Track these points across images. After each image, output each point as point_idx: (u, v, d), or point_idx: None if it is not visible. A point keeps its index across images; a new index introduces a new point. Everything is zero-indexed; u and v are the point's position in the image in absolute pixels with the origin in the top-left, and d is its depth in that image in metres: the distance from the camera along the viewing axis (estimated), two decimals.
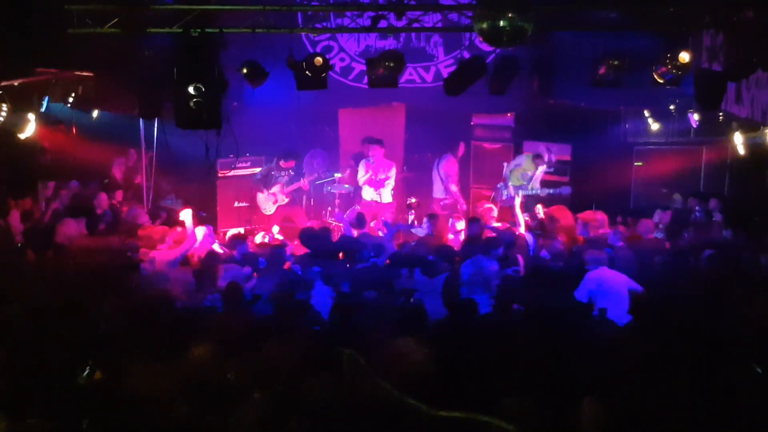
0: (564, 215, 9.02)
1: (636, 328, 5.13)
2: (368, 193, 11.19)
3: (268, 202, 11.18)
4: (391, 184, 11.16)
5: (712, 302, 5.43)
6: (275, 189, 11.11)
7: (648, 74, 8.67)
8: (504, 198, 10.87)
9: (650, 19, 8.05)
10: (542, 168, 10.88)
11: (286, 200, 11.21)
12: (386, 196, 11.15)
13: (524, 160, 11.03)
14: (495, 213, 10.01)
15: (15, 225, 8.28)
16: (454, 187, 11.69)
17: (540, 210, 9.75)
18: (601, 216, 9.05)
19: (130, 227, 8.64)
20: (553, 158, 11.01)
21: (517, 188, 10.74)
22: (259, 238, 10.42)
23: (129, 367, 3.99)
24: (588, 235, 8.52)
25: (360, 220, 9.21)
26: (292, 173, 11.25)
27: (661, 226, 9.58)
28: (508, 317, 5.86)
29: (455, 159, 11.88)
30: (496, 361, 4.30)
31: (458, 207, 11.67)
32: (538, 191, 10.67)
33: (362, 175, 11.16)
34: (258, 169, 11.47)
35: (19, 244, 7.86)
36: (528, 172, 10.89)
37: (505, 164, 11.36)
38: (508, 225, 9.29)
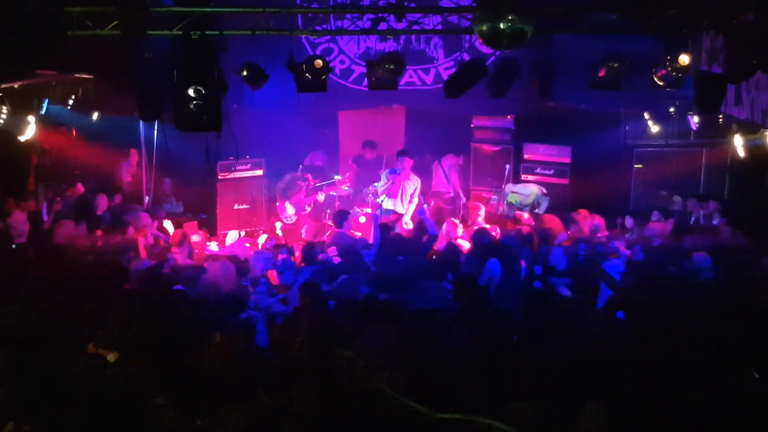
0: (553, 223, 9.07)
1: (636, 332, 5.12)
2: (388, 204, 10.87)
3: (290, 211, 11.19)
4: (415, 201, 10.88)
5: (710, 306, 5.43)
6: (295, 198, 11.12)
7: (648, 77, 8.68)
8: (498, 210, 10.96)
9: (650, 22, 8.05)
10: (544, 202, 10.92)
11: (309, 209, 11.23)
12: (410, 209, 10.87)
13: (529, 197, 10.99)
14: (482, 212, 10.05)
15: (19, 226, 8.28)
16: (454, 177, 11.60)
17: (524, 215, 9.82)
18: (598, 220, 9.06)
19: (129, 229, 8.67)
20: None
21: (511, 208, 10.79)
22: (262, 240, 10.43)
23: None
24: (580, 232, 8.55)
25: (340, 219, 9.04)
26: (312, 185, 11.27)
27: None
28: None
29: (456, 156, 11.89)
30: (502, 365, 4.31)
31: (458, 201, 11.67)
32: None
33: (382, 185, 10.88)
34: (259, 172, 11.51)
35: (15, 246, 7.85)
36: (526, 204, 10.89)
37: (506, 173, 11.37)
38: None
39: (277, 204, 11.39)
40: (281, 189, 11.30)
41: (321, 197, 11.32)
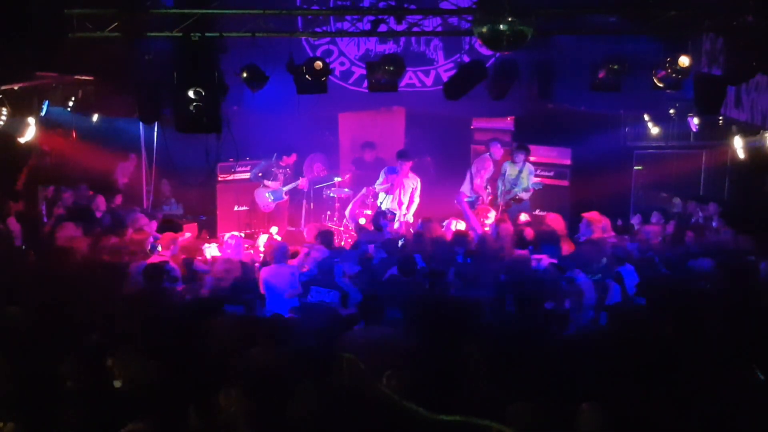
0: (556, 223, 9.05)
1: (637, 333, 5.11)
2: (387, 203, 10.89)
3: (266, 198, 11.27)
4: (416, 200, 10.93)
5: (714, 308, 5.42)
6: (273, 185, 11.22)
7: (648, 78, 8.68)
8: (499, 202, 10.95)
9: (650, 23, 8.05)
10: (527, 167, 10.82)
11: (286, 197, 11.31)
12: (412, 208, 10.92)
13: (507, 167, 11.01)
14: (491, 215, 10.04)
15: (13, 228, 8.28)
16: (478, 180, 11.45)
17: (524, 217, 9.77)
18: (604, 221, 9.06)
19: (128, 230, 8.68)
20: (522, 155, 10.88)
21: (505, 193, 10.77)
22: (262, 241, 10.42)
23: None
24: (591, 234, 8.51)
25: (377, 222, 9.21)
26: (290, 171, 11.32)
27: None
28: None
29: (491, 159, 11.50)
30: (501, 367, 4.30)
31: (480, 203, 11.60)
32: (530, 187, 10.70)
33: (380, 183, 10.93)
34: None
35: (23, 247, 7.86)
36: (512, 176, 10.86)
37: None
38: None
39: (255, 191, 11.46)
40: (258, 176, 11.36)
41: (303, 182, 11.42)
